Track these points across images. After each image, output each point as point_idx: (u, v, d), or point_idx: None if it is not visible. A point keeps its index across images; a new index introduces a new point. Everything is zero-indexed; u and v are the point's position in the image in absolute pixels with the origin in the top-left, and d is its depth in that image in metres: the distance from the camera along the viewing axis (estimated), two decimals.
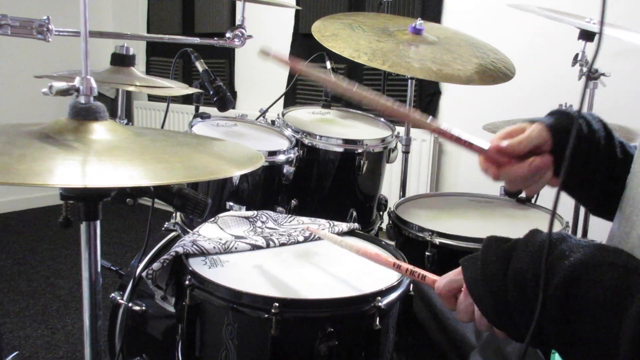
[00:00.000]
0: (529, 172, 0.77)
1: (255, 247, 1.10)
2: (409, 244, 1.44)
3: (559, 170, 0.78)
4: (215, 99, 1.49)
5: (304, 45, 3.46)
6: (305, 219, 1.28)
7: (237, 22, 1.36)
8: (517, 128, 0.80)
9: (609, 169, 0.78)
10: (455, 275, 0.72)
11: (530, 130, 0.78)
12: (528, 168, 0.76)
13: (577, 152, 0.77)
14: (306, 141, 1.51)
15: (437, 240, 1.35)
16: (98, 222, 0.84)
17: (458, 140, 0.80)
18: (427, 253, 1.36)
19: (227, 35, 1.35)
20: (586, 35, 1.61)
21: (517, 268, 0.62)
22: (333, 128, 1.66)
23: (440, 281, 0.75)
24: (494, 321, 0.66)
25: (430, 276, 0.79)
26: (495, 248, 0.66)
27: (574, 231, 1.76)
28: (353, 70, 3.22)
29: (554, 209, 0.63)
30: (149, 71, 4.32)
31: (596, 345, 0.56)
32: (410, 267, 0.84)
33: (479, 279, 0.66)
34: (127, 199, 0.85)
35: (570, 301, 0.58)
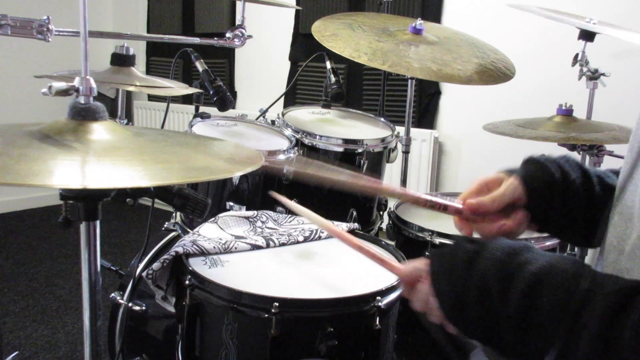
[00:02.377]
0: (501, 234, 0.78)
1: (255, 247, 1.11)
2: (409, 244, 1.44)
3: (535, 220, 0.80)
4: (215, 99, 1.49)
5: (304, 45, 3.46)
6: (305, 219, 1.28)
7: (237, 22, 1.36)
8: (493, 179, 0.81)
9: (589, 207, 0.79)
10: (419, 264, 0.73)
11: (505, 187, 0.79)
12: (498, 230, 0.78)
13: (553, 202, 0.79)
14: (306, 141, 1.51)
15: (437, 240, 1.36)
16: (98, 222, 0.84)
17: (432, 205, 0.82)
18: (427, 253, 1.36)
19: (227, 35, 1.34)
20: (586, 35, 1.61)
21: (481, 270, 0.64)
22: (333, 128, 1.66)
23: (407, 267, 0.75)
24: (450, 316, 0.68)
25: (391, 262, 0.80)
26: (464, 247, 0.68)
27: None
28: (353, 70, 3.22)
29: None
30: (149, 71, 4.32)
31: (562, 346, 0.57)
32: (374, 249, 0.84)
33: (444, 274, 0.67)
34: (127, 199, 0.85)
35: (532, 309, 0.59)
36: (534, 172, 0.80)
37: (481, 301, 0.63)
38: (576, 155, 1.72)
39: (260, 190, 1.45)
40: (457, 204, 0.81)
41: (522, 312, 0.60)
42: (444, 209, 0.82)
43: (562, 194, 0.79)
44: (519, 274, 0.61)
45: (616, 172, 0.83)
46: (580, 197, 0.80)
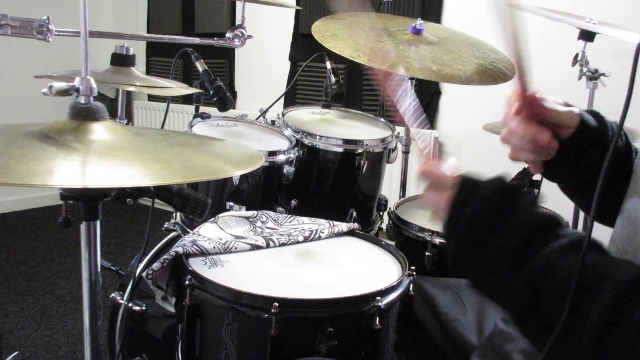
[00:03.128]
0: (535, 139, 0.77)
1: (255, 247, 1.11)
2: (409, 244, 1.44)
3: (558, 161, 0.79)
4: (215, 99, 1.49)
5: (304, 45, 3.46)
6: (305, 219, 1.28)
7: (237, 22, 1.36)
8: (561, 101, 0.80)
9: (620, 178, 0.78)
10: (450, 182, 0.73)
11: (569, 109, 0.78)
12: (532, 135, 0.77)
13: (592, 152, 0.78)
14: (306, 141, 1.51)
15: (437, 240, 1.36)
16: (98, 222, 0.84)
17: (521, 72, 0.80)
18: (427, 253, 1.36)
19: (227, 35, 1.34)
20: (586, 35, 1.61)
21: (504, 237, 0.64)
22: (333, 128, 1.66)
23: (438, 170, 0.76)
24: (450, 245, 0.69)
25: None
26: (498, 198, 0.67)
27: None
28: (353, 70, 3.22)
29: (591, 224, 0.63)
30: (149, 71, 4.32)
31: (562, 336, 0.57)
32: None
33: (467, 213, 0.67)
34: (127, 199, 0.85)
35: (541, 290, 0.59)
36: (593, 120, 0.79)
37: (491, 267, 0.64)
38: None
39: (260, 190, 1.45)
40: (529, 82, 0.80)
41: (528, 293, 0.60)
42: (522, 76, 0.81)
43: (603, 152, 0.77)
44: (534, 257, 0.61)
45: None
46: (618, 165, 0.78)
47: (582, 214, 1.86)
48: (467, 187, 0.70)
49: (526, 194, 0.66)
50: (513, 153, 0.81)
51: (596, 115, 0.81)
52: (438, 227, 1.37)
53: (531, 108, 0.78)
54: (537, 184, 1.61)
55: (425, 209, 1.60)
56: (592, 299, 0.55)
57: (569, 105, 0.80)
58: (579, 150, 0.78)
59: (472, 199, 0.68)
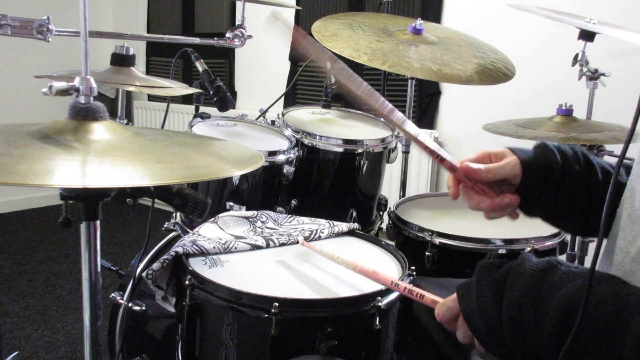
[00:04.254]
0: (494, 206, 0.79)
1: (255, 247, 1.10)
2: (409, 244, 1.44)
3: (523, 206, 0.81)
4: (215, 99, 1.49)
5: None
6: (305, 219, 1.28)
7: (237, 22, 1.36)
8: (497, 152, 0.82)
9: (589, 198, 0.79)
10: (451, 302, 0.74)
11: (505, 162, 0.80)
12: (477, 204, 0.79)
13: (547, 188, 0.79)
14: (306, 141, 1.51)
15: (437, 240, 1.36)
16: (98, 222, 0.84)
17: (431, 153, 0.82)
18: (427, 253, 1.36)
19: (227, 35, 1.34)
20: (586, 35, 1.61)
21: (510, 304, 0.64)
22: (333, 128, 1.66)
23: (440, 308, 0.76)
24: (491, 350, 0.68)
25: (429, 297, 0.79)
26: (488, 277, 0.67)
27: (572, 237, 1.75)
28: (353, 70, 3.21)
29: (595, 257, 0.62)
30: (149, 71, 4.32)
31: None
32: (409, 286, 0.84)
33: (475, 311, 0.67)
34: (127, 199, 0.85)
35: (567, 332, 0.59)
36: (537, 155, 0.80)
37: (516, 335, 0.64)
38: None
39: (260, 190, 1.45)
40: (454, 161, 0.81)
41: (557, 341, 0.59)
42: (440, 160, 0.81)
43: (559, 181, 0.79)
44: (549, 302, 0.60)
45: (627, 167, 0.83)
46: (579, 188, 0.79)
47: None
48: (462, 290, 0.71)
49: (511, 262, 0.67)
50: (485, 216, 0.83)
51: (542, 147, 0.82)
52: (439, 228, 1.37)
53: (468, 179, 0.80)
54: None
55: (428, 209, 1.60)
56: (624, 333, 0.55)
57: (510, 151, 0.81)
58: (534, 190, 0.80)
59: (469, 294, 0.69)
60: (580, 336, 0.58)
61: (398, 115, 0.84)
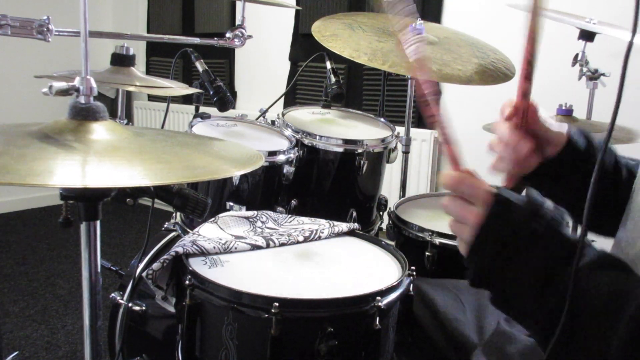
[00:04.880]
0: (515, 147, 0.76)
1: (255, 247, 1.10)
2: (409, 244, 1.44)
3: (546, 178, 0.79)
4: (215, 99, 1.49)
5: (304, 45, 3.46)
6: (305, 219, 1.28)
7: (237, 22, 1.36)
8: (555, 120, 0.80)
9: (613, 191, 0.79)
10: (482, 193, 0.67)
11: (559, 128, 0.79)
12: (515, 147, 0.76)
13: (579, 171, 0.78)
14: (306, 141, 1.51)
15: (437, 240, 1.36)
16: (98, 222, 0.83)
17: (528, 75, 0.75)
18: (427, 253, 1.36)
19: (227, 35, 1.34)
20: (586, 36, 1.61)
21: (533, 259, 0.62)
22: (333, 128, 1.66)
23: (463, 178, 0.70)
24: (471, 261, 0.66)
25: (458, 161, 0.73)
26: (533, 226, 0.63)
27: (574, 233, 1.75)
28: (353, 70, 3.22)
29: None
30: (149, 71, 4.32)
31: (589, 343, 0.58)
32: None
33: (495, 240, 0.63)
34: (127, 199, 0.85)
35: (569, 310, 0.59)
36: (582, 141, 0.80)
37: (518, 285, 0.62)
38: None
39: (260, 190, 1.45)
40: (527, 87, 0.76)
41: (557, 314, 0.59)
42: (527, 74, 0.74)
43: (588, 173, 0.77)
44: (560, 277, 0.60)
45: (629, 169, 0.83)
46: (606, 183, 0.79)
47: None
48: (504, 208, 0.65)
49: (558, 217, 0.65)
50: (495, 163, 0.80)
51: (586, 137, 0.82)
52: (439, 228, 1.37)
53: (525, 116, 0.76)
54: None
55: (428, 209, 1.60)
56: (621, 317, 0.55)
57: (561, 124, 0.81)
58: (561, 171, 0.79)
59: (508, 220, 0.64)
60: (581, 303, 0.58)
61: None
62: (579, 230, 0.66)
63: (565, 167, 0.79)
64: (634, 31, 0.61)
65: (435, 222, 1.45)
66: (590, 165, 0.78)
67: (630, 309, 0.55)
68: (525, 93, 0.75)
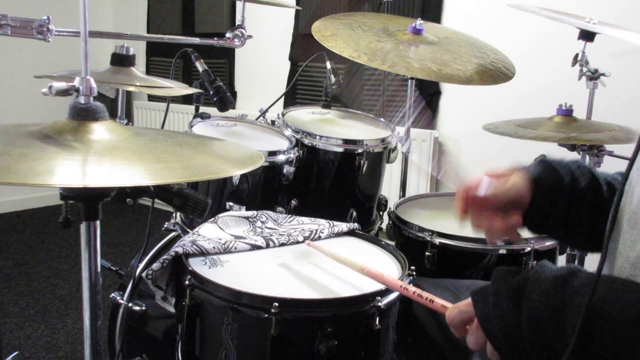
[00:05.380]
0: (503, 229, 0.80)
1: (255, 247, 1.11)
2: (409, 244, 1.44)
3: (532, 226, 0.82)
4: (215, 99, 1.49)
5: (304, 45, 3.46)
6: (305, 219, 1.28)
7: (237, 22, 1.36)
8: (503, 172, 0.82)
9: (596, 213, 0.79)
10: (465, 306, 0.73)
11: (511, 185, 0.80)
12: (488, 225, 0.80)
13: (557, 206, 0.79)
14: (306, 141, 1.51)
15: (437, 240, 1.35)
16: (98, 222, 0.84)
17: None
18: (427, 253, 1.36)
19: (227, 35, 1.34)
20: (586, 36, 1.61)
21: (531, 306, 0.63)
22: (333, 128, 1.66)
23: (451, 311, 0.75)
24: (507, 355, 0.67)
25: (439, 301, 0.78)
26: (506, 283, 0.66)
27: None
28: (353, 70, 3.22)
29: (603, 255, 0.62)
30: (149, 71, 4.32)
31: None
32: (418, 290, 0.83)
33: (492, 316, 0.66)
34: (127, 199, 0.85)
35: (591, 339, 0.58)
36: (544, 174, 0.80)
37: (535, 338, 0.63)
38: (576, 156, 1.72)
39: (260, 190, 1.45)
40: (456, 184, 0.82)
41: (580, 344, 0.59)
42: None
43: (568, 199, 0.79)
44: (569, 308, 0.60)
45: (608, 183, 0.83)
46: (587, 204, 0.79)
47: None
48: (477, 297, 0.70)
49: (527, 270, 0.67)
50: (488, 239, 0.84)
51: (548, 165, 0.82)
52: (439, 228, 1.37)
53: (476, 203, 0.80)
54: None
55: (428, 209, 1.60)
56: None
57: (518, 168, 0.82)
58: (543, 211, 0.80)
59: (487, 300, 0.68)
60: (602, 340, 0.57)
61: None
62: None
63: (541, 209, 0.80)
64: None
65: (435, 222, 1.45)
66: (562, 194, 0.79)
67: None
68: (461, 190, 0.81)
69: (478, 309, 0.69)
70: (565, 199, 0.79)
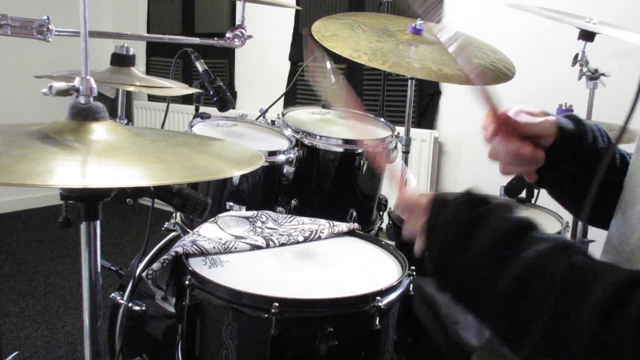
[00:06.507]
0: (530, 158, 0.79)
1: (255, 247, 1.10)
2: (409, 244, 1.43)
3: (544, 169, 0.81)
4: (215, 99, 1.49)
5: (304, 45, 3.46)
6: (305, 219, 1.28)
7: (237, 22, 1.36)
8: (535, 111, 0.82)
9: (606, 178, 0.79)
10: (424, 200, 0.73)
11: (544, 120, 0.80)
12: (532, 155, 0.79)
13: (574, 158, 0.79)
14: (306, 141, 1.51)
15: None
16: (98, 222, 0.84)
17: (487, 98, 0.83)
18: (427, 253, 1.36)
19: (227, 35, 1.34)
20: (586, 36, 1.61)
21: (474, 247, 0.63)
22: (333, 128, 1.66)
23: (410, 195, 0.76)
24: (429, 268, 0.69)
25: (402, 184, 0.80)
26: (466, 211, 0.67)
27: (574, 232, 1.76)
28: (353, 70, 3.22)
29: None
30: (149, 71, 4.32)
31: (556, 340, 0.56)
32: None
33: (437, 233, 0.68)
34: (127, 199, 0.85)
35: (522, 296, 0.58)
36: (571, 125, 0.81)
37: (466, 276, 0.63)
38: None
39: (260, 190, 1.45)
40: (498, 103, 0.82)
41: (511, 297, 0.59)
42: (489, 100, 0.82)
43: (586, 153, 0.80)
44: (513, 260, 0.60)
45: (623, 159, 0.83)
46: (599, 167, 0.79)
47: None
48: (438, 203, 0.71)
49: (496, 201, 0.67)
50: (502, 168, 0.83)
51: (574, 119, 0.83)
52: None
53: (506, 126, 0.80)
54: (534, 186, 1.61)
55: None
56: (583, 301, 0.54)
57: (546, 114, 0.82)
58: (561, 156, 0.80)
59: (443, 212, 0.68)
60: (534, 298, 0.57)
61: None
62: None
63: (562, 153, 0.80)
64: None
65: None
66: (584, 146, 0.80)
67: (593, 296, 0.53)
68: (495, 109, 0.82)
69: (430, 216, 0.70)
70: (584, 151, 0.80)
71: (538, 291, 0.57)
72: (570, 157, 0.80)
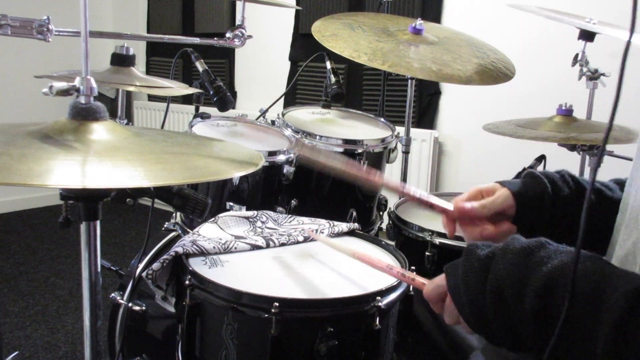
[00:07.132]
0: (483, 239, 0.83)
1: (255, 247, 1.10)
2: (409, 244, 1.44)
3: (522, 231, 0.82)
4: (215, 99, 1.49)
5: (304, 45, 3.46)
6: (305, 219, 1.28)
7: (237, 22, 1.36)
8: (488, 188, 0.86)
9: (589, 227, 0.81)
10: (440, 281, 0.74)
11: (497, 196, 0.84)
12: (480, 235, 0.83)
13: (541, 215, 0.83)
14: (306, 141, 1.51)
15: (437, 240, 1.36)
16: (98, 222, 0.84)
17: (421, 201, 0.88)
18: (427, 253, 1.36)
19: (227, 35, 1.34)
20: (586, 35, 1.61)
21: (495, 276, 0.64)
22: (333, 128, 1.66)
23: (428, 286, 0.76)
24: (473, 327, 0.68)
25: (419, 279, 0.81)
26: (476, 256, 0.68)
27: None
28: (353, 70, 3.22)
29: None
30: (149, 71, 4.32)
31: (573, 348, 0.57)
32: (402, 270, 0.86)
33: (460, 287, 0.68)
34: (127, 199, 0.85)
35: (547, 308, 0.59)
36: (527, 185, 0.84)
37: (498, 308, 0.63)
38: (576, 156, 1.72)
39: (260, 190, 1.45)
40: (446, 204, 0.86)
41: (537, 314, 0.59)
42: (431, 206, 0.87)
43: (551, 208, 0.83)
44: (533, 275, 0.61)
45: (620, 183, 0.84)
46: (571, 211, 0.82)
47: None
48: (451, 271, 0.72)
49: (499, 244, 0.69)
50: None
51: (532, 176, 0.86)
52: (439, 228, 1.37)
53: (464, 218, 0.84)
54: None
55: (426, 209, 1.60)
56: (602, 309, 0.54)
57: (502, 184, 0.86)
58: (529, 219, 0.83)
59: (457, 272, 0.70)
60: (557, 309, 0.58)
61: (378, 174, 0.93)
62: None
63: (526, 218, 0.84)
64: (632, 30, 0.62)
65: (435, 222, 1.45)
66: (545, 205, 0.83)
67: (607, 304, 0.54)
68: (444, 210, 0.88)
69: (450, 282, 0.70)
70: (548, 207, 0.83)
71: (558, 300, 0.58)
72: (538, 218, 0.83)
